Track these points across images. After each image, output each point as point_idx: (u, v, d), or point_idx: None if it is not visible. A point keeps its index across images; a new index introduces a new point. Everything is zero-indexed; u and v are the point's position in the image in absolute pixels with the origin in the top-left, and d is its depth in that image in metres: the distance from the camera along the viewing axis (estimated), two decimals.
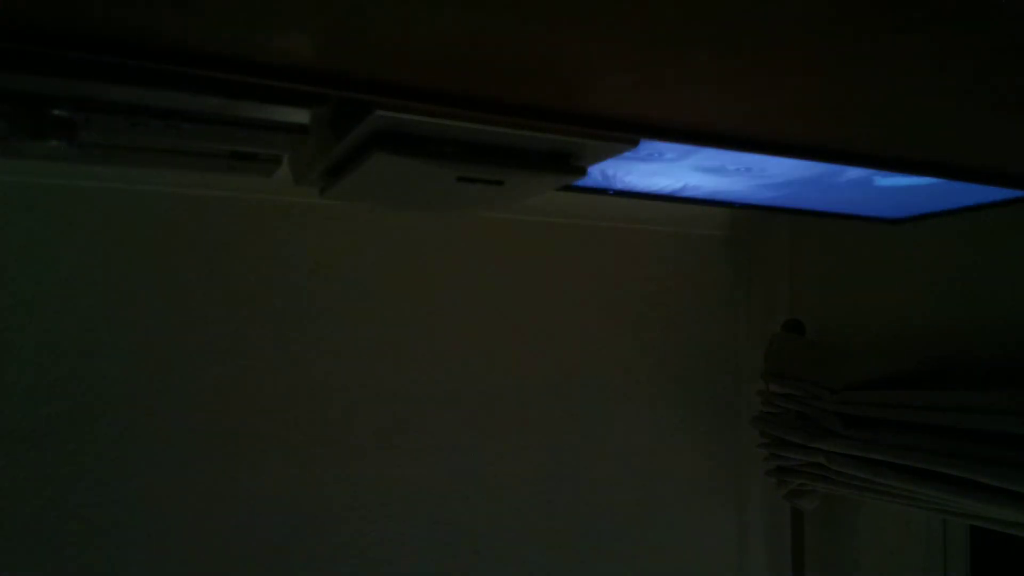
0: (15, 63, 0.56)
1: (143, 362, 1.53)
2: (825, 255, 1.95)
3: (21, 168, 1.44)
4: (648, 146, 0.82)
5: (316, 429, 1.65)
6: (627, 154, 0.81)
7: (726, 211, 2.05)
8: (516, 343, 1.84)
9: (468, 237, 1.81)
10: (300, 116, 0.70)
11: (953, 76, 0.63)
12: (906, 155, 0.86)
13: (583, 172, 0.78)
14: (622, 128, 0.72)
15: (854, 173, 0.95)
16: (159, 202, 1.56)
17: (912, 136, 0.80)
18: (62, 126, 0.62)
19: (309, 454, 1.64)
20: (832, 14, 0.51)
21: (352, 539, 1.66)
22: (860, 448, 1.55)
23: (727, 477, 2.04)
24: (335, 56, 0.56)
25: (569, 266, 1.91)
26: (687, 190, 1.05)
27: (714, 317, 2.07)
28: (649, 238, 2.00)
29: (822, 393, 1.67)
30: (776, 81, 0.63)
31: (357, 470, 1.68)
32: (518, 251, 1.86)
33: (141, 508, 1.51)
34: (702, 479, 2.02)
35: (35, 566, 1.44)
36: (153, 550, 1.52)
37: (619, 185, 1.02)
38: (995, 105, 0.70)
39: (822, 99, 0.68)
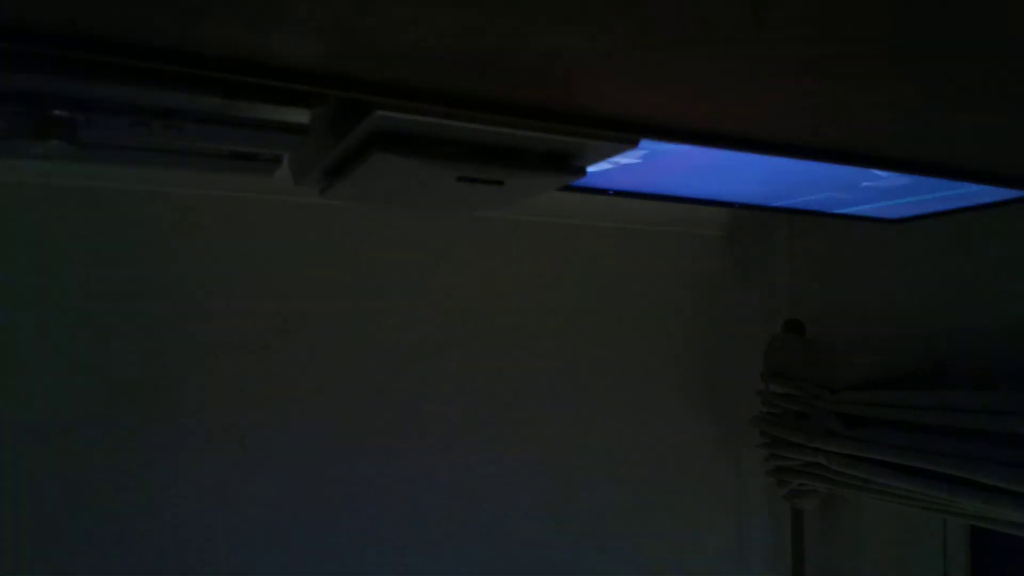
0: (15, 63, 0.56)
1: (144, 361, 1.53)
2: (825, 255, 1.95)
3: (21, 168, 1.44)
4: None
5: (317, 428, 1.65)
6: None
7: (726, 211, 2.05)
8: (516, 343, 1.84)
9: (468, 237, 1.81)
10: (300, 116, 0.69)
11: (953, 76, 0.63)
12: (906, 155, 0.86)
13: (583, 172, 0.78)
14: (622, 128, 0.72)
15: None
16: (159, 202, 1.56)
17: (911, 136, 0.80)
18: (62, 126, 0.62)
19: (310, 453, 1.64)
20: (832, 14, 0.51)
21: (354, 538, 1.66)
22: (860, 448, 1.55)
23: (727, 477, 2.04)
24: (335, 56, 0.56)
25: (569, 266, 1.91)
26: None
27: (714, 317, 2.07)
28: (649, 238, 2.00)
29: (822, 393, 1.68)
30: (776, 81, 0.63)
31: (358, 469, 1.68)
32: (518, 251, 1.86)
33: (143, 506, 1.51)
34: (702, 479, 2.02)
35: (36, 566, 1.44)
36: (155, 548, 1.51)
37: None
38: (994, 105, 0.70)
39: (822, 99, 0.68)
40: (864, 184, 1.01)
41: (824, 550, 1.95)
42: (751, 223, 2.10)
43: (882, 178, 0.97)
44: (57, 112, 0.61)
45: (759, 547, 2.07)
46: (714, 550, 2.03)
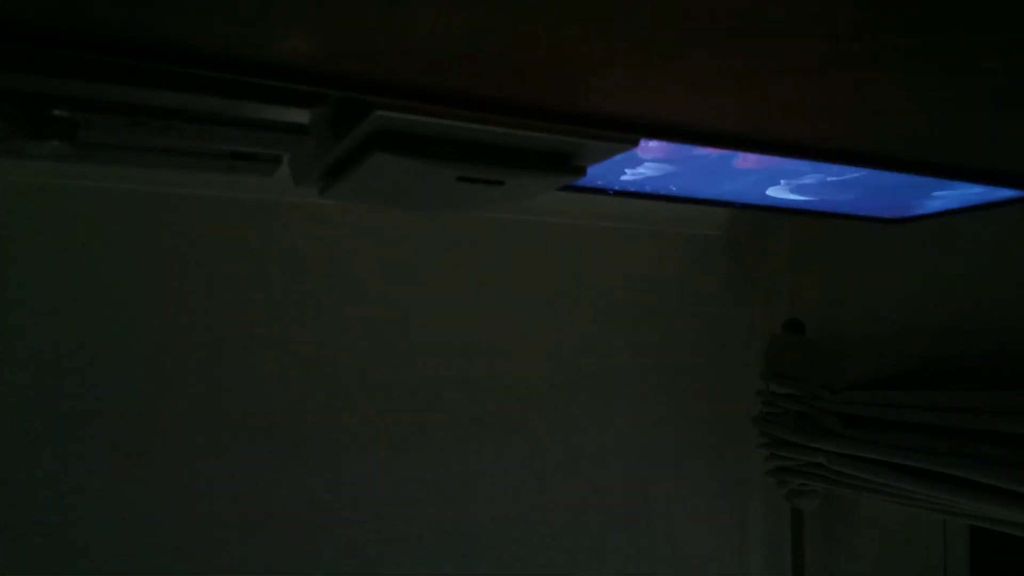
0: (15, 63, 0.56)
1: (143, 362, 1.53)
2: (825, 255, 1.95)
3: (21, 168, 1.44)
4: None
5: (316, 429, 1.65)
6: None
7: (726, 211, 2.05)
8: (516, 343, 1.84)
9: (468, 237, 1.81)
10: (300, 116, 0.69)
11: (953, 76, 0.63)
12: (906, 155, 0.86)
13: (583, 172, 0.78)
14: (622, 128, 0.72)
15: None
16: (159, 202, 1.56)
17: (912, 136, 0.80)
18: (62, 126, 0.61)
19: (309, 454, 1.64)
20: (832, 14, 0.51)
21: (353, 539, 1.66)
22: (860, 448, 1.55)
23: (727, 477, 2.04)
24: (335, 56, 0.56)
25: (569, 266, 1.91)
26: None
27: (714, 317, 2.07)
28: (649, 238, 2.00)
29: (822, 393, 1.68)
30: (776, 81, 0.63)
31: (357, 470, 1.68)
32: (518, 251, 1.86)
33: (142, 508, 1.51)
34: (702, 479, 2.02)
35: (34, 566, 1.44)
36: (153, 550, 1.52)
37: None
38: (995, 105, 0.70)
39: (822, 99, 0.68)
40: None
41: (824, 550, 1.95)
42: (751, 223, 2.10)
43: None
44: (57, 112, 0.61)
45: (759, 547, 2.07)
46: (714, 550, 2.03)
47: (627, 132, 0.73)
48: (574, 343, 1.90)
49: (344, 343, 1.69)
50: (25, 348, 1.46)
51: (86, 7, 0.47)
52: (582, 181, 0.80)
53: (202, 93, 0.61)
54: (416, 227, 1.77)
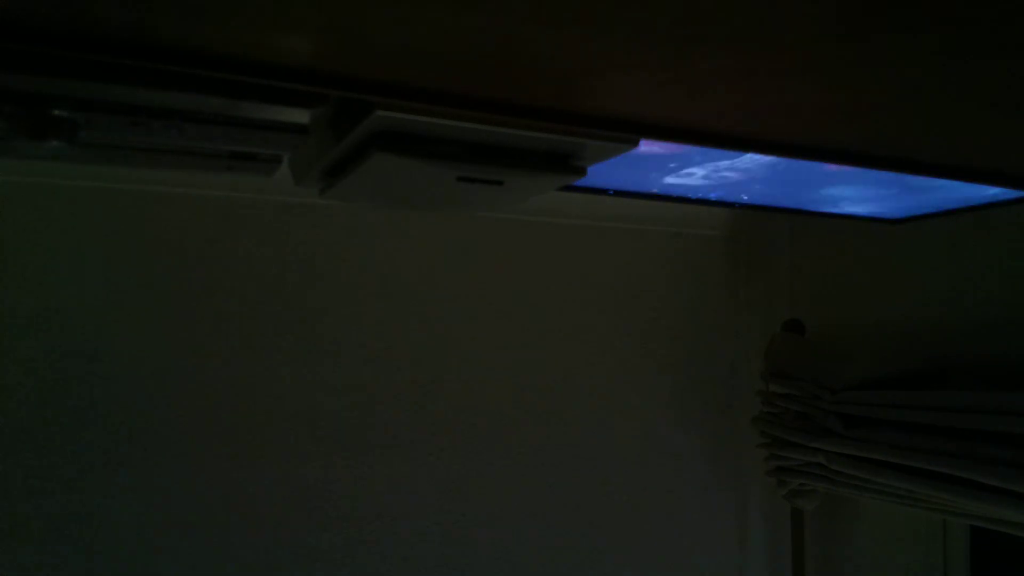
0: (15, 63, 0.56)
1: (144, 362, 1.53)
2: (825, 255, 1.95)
3: (21, 168, 1.44)
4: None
5: (317, 430, 1.65)
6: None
7: (726, 211, 2.05)
8: (516, 343, 1.84)
9: (468, 237, 1.81)
10: (300, 116, 0.69)
11: (953, 76, 0.63)
12: (906, 155, 0.86)
13: (583, 172, 0.78)
14: (622, 128, 0.72)
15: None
16: (159, 202, 1.56)
17: (912, 136, 0.80)
18: (62, 126, 0.61)
19: (309, 455, 1.64)
20: (832, 14, 0.51)
21: (352, 540, 1.66)
22: (860, 448, 1.55)
23: (727, 477, 2.04)
24: (335, 56, 0.56)
25: (569, 266, 1.91)
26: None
27: (714, 317, 2.07)
28: (649, 238, 2.00)
29: (822, 393, 1.68)
30: (776, 81, 0.63)
31: (357, 471, 1.68)
32: (518, 251, 1.86)
33: (144, 509, 1.51)
34: (702, 479, 2.02)
35: (35, 567, 1.44)
36: (155, 551, 1.51)
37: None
38: (995, 105, 0.70)
39: (822, 99, 0.68)
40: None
41: (824, 550, 1.95)
42: (751, 223, 2.10)
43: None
44: (57, 112, 0.61)
45: (759, 547, 2.07)
46: (714, 551, 2.03)
47: (627, 132, 0.73)
48: (574, 343, 1.90)
49: (344, 343, 1.69)
50: (25, 348, 1.46)
51: (87, 7, 0.47)
52: (582, 181, 0.80)
53: (202, 93, 0.61)
54: (416, 227, 1.77)
